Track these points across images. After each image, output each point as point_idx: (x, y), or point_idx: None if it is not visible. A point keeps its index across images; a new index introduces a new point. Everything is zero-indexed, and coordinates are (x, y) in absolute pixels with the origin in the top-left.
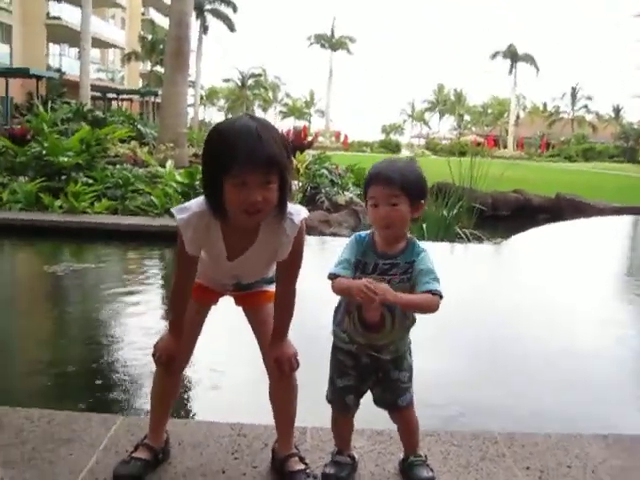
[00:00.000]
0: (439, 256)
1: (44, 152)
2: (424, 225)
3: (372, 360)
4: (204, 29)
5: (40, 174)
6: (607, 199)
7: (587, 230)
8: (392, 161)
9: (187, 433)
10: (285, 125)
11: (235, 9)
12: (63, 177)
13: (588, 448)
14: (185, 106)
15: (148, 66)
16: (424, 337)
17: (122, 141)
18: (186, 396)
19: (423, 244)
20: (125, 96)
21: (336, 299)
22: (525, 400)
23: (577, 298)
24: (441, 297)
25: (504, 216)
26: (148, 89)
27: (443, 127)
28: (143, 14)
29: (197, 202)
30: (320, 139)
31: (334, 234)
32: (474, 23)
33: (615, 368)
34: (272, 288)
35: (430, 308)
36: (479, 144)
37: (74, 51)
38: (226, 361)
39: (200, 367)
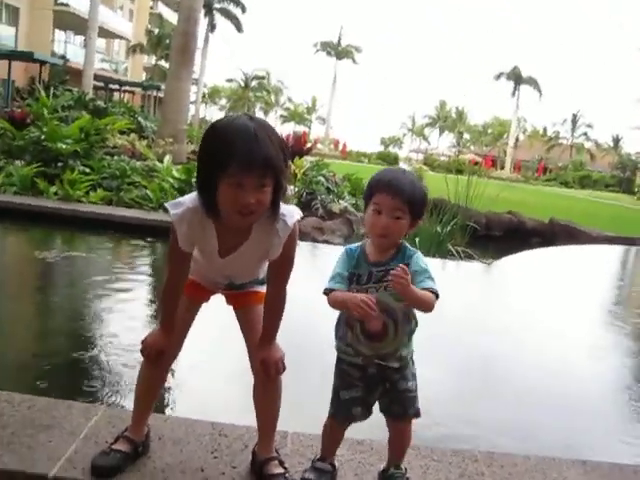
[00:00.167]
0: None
1: (43, 137)
2: (417, 239)
3: (379, 370)
4: (212, 27)
5: (37, 159)
6: (601, 227)
7: (578, 257)
8: (404, 174)
9: (168, 429)
10: (285, 130)
11: (244, 10)
12: (60, 164)
13: (566, 473)
14: (187, 102)
15: (153, 60)
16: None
17: (122, 133)
18: (169, 392)
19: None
20: (127, 88)
21: (328, 308)
22: (507, 420)
23: (563, 324)
24: (437, 296)
25: (497, 237)
26: (151, 83)
27: (442, 143)
28: (152, 7)
29: (191, 197)
30: (319, 146)
31: (327, 241)
32: (478, 40)
33: (598, 395)
34: (264, 289)
35: (428, 306)
36: (477, 163)
37: (80, 39)
38: (211, 359)
39: (186, 364)
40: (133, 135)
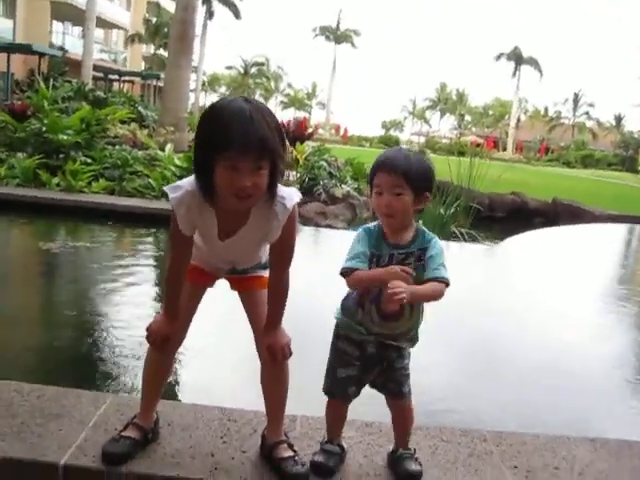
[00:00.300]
0: None
1: (44, 129)
2: (420, 222)
3: (378, 350)
4: (210, 15)
5: (39, 151)
6: (604, 207)
7: (582, 236)
8: (400, 151)
9: (177, 415)
10: (285, 115)
11: None
12: (62, 155)
13: (575, 450)
14: (187, 91)
15: (151, 49)
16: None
17: (122, 122)
18: (177, 378)
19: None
20: (127, 78)
21: (333, 291)
22: (515, 400)
23: (567, 304)
24: (448, 284)
25: (500, 217)
26: (150, 72)
27: (443, 126)
28: None
29: (190, 181)
30: (320, 131)
31: (329, 226)
32: (478, 22)
33: (603, 373)
34: (267, 273)
35: (437, 297)
36: (478, 145)
37: (78, 30)
38: (218, 345)
39: (193, 349)
40: (134, 124)
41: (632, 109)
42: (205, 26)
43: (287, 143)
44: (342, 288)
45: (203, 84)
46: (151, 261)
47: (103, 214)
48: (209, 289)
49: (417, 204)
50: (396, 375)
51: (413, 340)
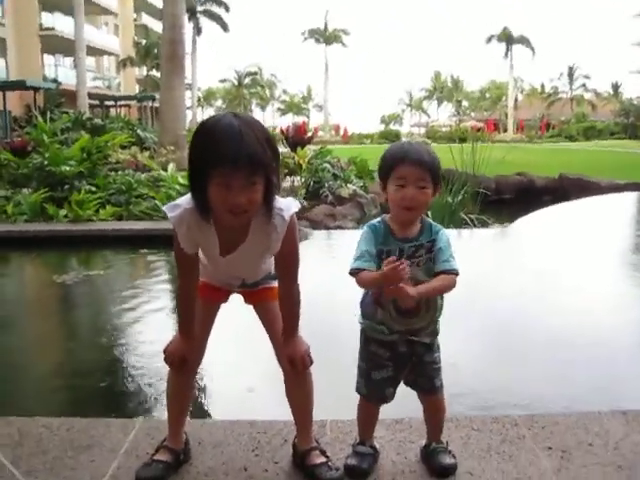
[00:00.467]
0: None
1: (46, 162)
2: (429, 212)
3: (408, 347)
4: (198, 31)
5: (43, 185)
6: (611, 177)
7: (591, 209)
8: (417, 144)
9: (206, 433)
10: (284, 122)
11: (227, 9)
12: (66, 186)
13: (608, 425)
14: (184, 108)
15: (144, 71)
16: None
17: (123, 147)
18: (202, 395)
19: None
20: (123, 102)
21: (351, 292)
22: (542, 381)
23: (586, 278)
24: (457, 274)
25: (508, 199)
26: (145, 94)
27: (442, 114)
28: (135, 19)
29: (187, 198)
30: (320, 133)
31: (340, 227)
32: (465, 6)
33: (628, 346)
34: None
35: (448, 289)
36: (479, 129)
37: (69, 60)
38: (238, 359)
39: (213, 366)
40: (134, 148)
41: (629, 76)
42: (195, 42)
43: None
44: (359, 289)
45: (199, 100)
46: (166, 282)
47: (113, 240)
48: (223, 304)
49: (432, 197)
50: (427, 370)
51: (434, 334)
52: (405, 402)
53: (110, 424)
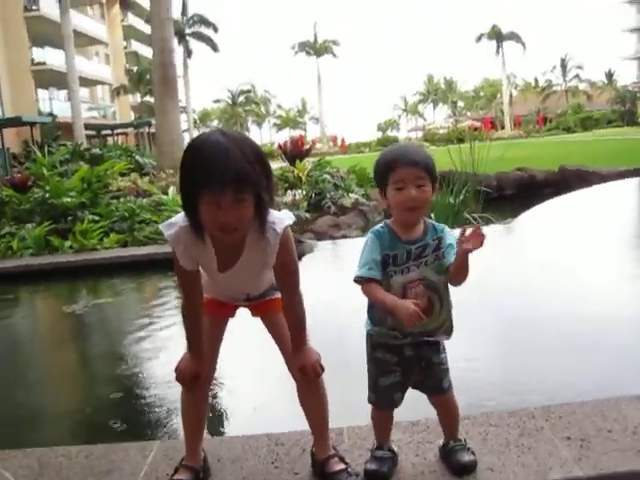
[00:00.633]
0: None
1: (47, 196)
2: (432, 214)
3: (415, 351)
4: (188, 53)
5: (46, 218)
6: (612, 165)
7: (593, 198)
8: (407, 145)
9: (224, 449)
10: (281, 137)
11: (216, 29)
12: (69, 217)
13: (626, 411)
14: (180, 131)
15: (138, 98)
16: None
17: (122, 174)
18: (216, 412)
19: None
20: (119, 130)
21: (359, 301)
22: (557, 372)
23: (594, 266)
24: None
25: (510, 195)
26: (141, 120)
27: (438, 117)
28: (125, 47)
29: (183, 216)
30: (318, 145)
31: (345, 236)
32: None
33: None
34: None
35: (467, 276)
36: (476, 129)
37: (63, 93)
38: (252, 372)
39: (226, 380)
40: (134, 174)
41: (622, 63)
42: (186, 65)
43: (281, 166)
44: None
45: (195, 122)
46: (175, 305)
47: (118, 267)
48: (231, 318)
49: (432, 195)
50: (435, 371)
51: (449, 332)
52: (420, 404)
53: (128, 448)
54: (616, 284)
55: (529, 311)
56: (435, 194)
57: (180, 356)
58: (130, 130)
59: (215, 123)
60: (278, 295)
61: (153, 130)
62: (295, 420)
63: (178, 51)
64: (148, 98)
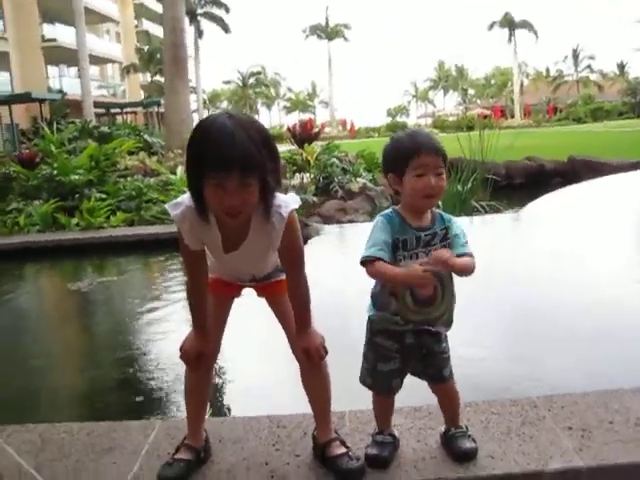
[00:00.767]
0: None
1: (55, 173)
2: (439, 202)
3: (416, 339)
4: (199, 33)
5: (53, 195)
6: (622, 157)
7: (601, 189)
8: (421, 131)
9: (226, 430)
10: (290, 120)
11: (228, 10)
12: (76, 195)
13: (628, 402)
14: (189, 111)
15: (148, 77)
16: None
17: (130, 153)
18: (219, 393)
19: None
20: (128, 109)
21: (364, 283)
22: (562, 362)
23: (600, 257)
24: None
25: (519, 184)
26: (150, 99)
27: (448, 104)
28: (137, 26)
29: (189, 196)
30: (327, 129)
31: (351, 221)
32: None
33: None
34: None
35: (471, 270)
36: (486, 117)
37: (73, 70)
38: (255, 353)
39: (230, 362)
40: (142, 153)
41: (634, 54)
42: (197, 45)
43: (290, 149)
44: (371, 280)
45: (204, 102)
46: (180, 284)
47: (125, 246)
48: (237, 298)
49: None
50: (436, 360)
51: (448, 324)
52: (421, 390)
53: (130, 426)
54: (624, 275)
55: (536, 301)
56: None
57: (184, 335)
58: (139, 109)
59: (225, 104)
60: (283, 277)
61: (162, 110)
62: (297, 403)
63: (189, 31)
64: (158, 77)
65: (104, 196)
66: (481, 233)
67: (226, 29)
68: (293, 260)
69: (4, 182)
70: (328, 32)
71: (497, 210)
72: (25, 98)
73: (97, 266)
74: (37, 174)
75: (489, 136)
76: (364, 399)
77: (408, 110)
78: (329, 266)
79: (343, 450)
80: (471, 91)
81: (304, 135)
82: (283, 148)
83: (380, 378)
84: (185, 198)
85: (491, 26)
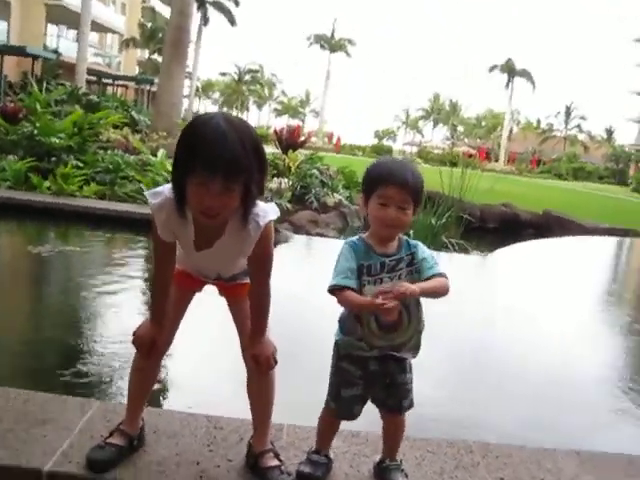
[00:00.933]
0: None
1: (36, 132)
2: (411, 232)
3: (381, 366)
4: (205, 21)
5: (30, 154)
6: (595, 219)
7: (571, 248)
8: (404, 164)
9: (163, 422)
10: (279, 123)
11: (237, 3)
12: (53, 158)
13: (561, 463)
14: (181, 96)
15: (146, 54)
16: None
17: (115, 127)
18: (163, 385)
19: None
20: (120, 82)
21: (323, 300)
22: (500, 412)
23: (556, 315)
24: (447, 277)
25: (491, 228)
26: (144, 77)
27: (436, 136)
28: (144, 1)
29: (170, 188)
30: (313, 139)
31: (321, 234)
32: (472, 33)
33: (589, 386)
34: None
35: (445, 290)
36: (471, 156)
37: (72, 33)
38: (205, 352)
39: (179, 356)
40: (126, 129)
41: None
42: (200, 32)
43: (273, 152)
44: (329, 297)
45: (197, 90)
46: (141, 267)
47: (93, 218)
48: (198, 293)
49: (412, 217)
50: (399, 391)
51: (415, 349)
52: (363, 415)
53: (67, 402)
54: (575, 338)
55: (486, 348)
56: (417, 214)
57: (134, 318)
58: (131, 84)
59: (217, 95)
60: (248, 281)
61: (154, 89)
62: (238, 407)
63: (195, 16)
64: (156, 56)
65: (81, 165)
66: (446, 270)
67: (232, 21)
68: (261, 268)
69: None
70: (332, 44)
71: (465, 250)
72: (19, 51)
73: (62, 234)
74: (17, 130)
75: (471, 176)
76: (305, 415)
77: (396, 135)
78: (293, 275)
79: (276, 463)
80: (460, 128)
81: (290, 141)
82: (267, 150)
83: (343, 403)
84: (166, 189)
85: (492, 69)
